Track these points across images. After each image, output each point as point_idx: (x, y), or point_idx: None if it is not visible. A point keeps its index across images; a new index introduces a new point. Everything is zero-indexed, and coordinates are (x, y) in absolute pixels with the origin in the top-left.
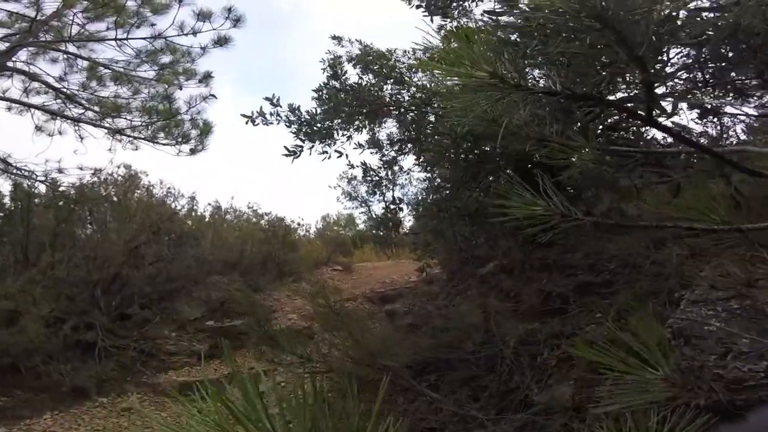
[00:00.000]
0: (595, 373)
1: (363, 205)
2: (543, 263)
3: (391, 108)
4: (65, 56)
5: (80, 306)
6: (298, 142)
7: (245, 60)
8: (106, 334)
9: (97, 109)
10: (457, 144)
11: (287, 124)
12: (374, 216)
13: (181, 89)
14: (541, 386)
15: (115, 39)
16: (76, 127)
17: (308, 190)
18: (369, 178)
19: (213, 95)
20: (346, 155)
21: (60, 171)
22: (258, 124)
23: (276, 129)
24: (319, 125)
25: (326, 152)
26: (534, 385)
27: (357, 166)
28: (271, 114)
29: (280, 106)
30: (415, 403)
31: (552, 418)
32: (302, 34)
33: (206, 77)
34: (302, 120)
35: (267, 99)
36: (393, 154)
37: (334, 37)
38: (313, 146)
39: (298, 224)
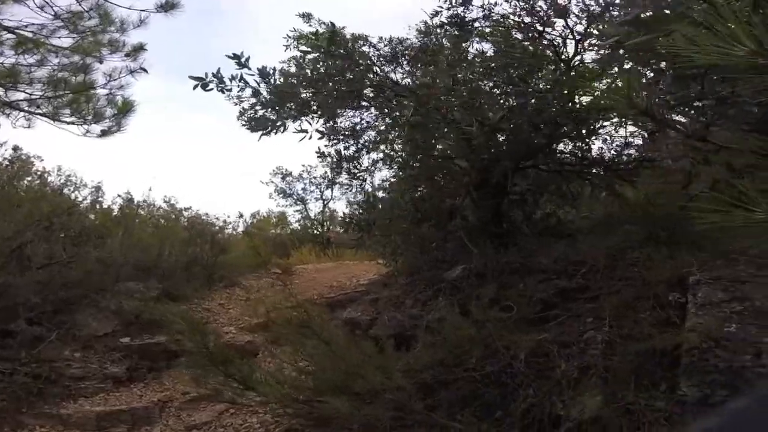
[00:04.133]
0: (622, 384)
1: (298, 202)
2: (511, 267)
3: (393, 91)
4: None
5: None
6: (270, 116)
7: (178, 49)
8: None
9: None
10: (485, 133)
11: (256, 92)
12: (348, 215)
13: (101, 62)
14: (565, 400)
15: None
16: None
17: (231, 186)
18: (342, 168)
19: (143, 69)
20: (328, 137)
21: None
22: (211, 89)
23: (207, 111)
24: (294, 99)
25: (305, 131)
26: (557, 399)
27: (328, 155)
28: (233, 78)
29: (248, 68)
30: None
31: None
32: (245, 29)
33: (136, 50)
34: (276, 87)
35: (233, 56)
36: (359, 144)
37: (303, 15)
38: (285, 123)
39: (224, 222)
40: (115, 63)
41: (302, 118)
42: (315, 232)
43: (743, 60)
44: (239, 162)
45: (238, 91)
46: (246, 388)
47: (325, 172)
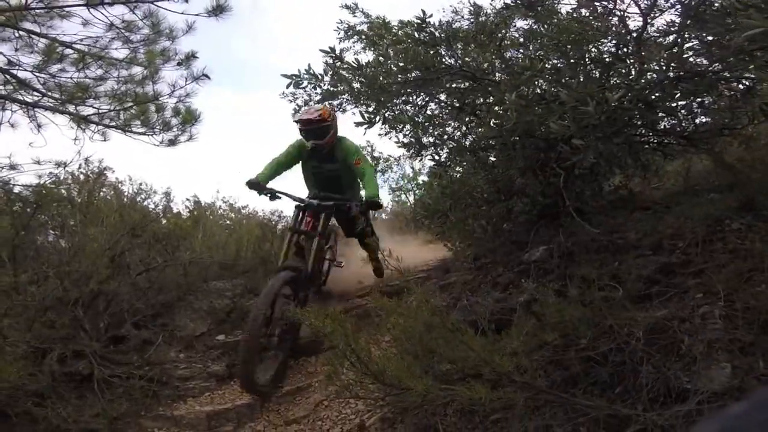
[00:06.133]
0: (750, 356)
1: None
2: (599, 245)
3: (474, 74)
4: (18, 34)
5: (61, 332)
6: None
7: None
8: (102, 362)
9: (56, 95)
10: (605, 112)
11: (353, 77)
12: (427, 203)
13: (157, 73)
14: (689, 374)
15: (87, 5)
16: (32, 114)
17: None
18: (422, 155)
19: (206, 75)
20: (412, 125)
21: (12, 167)
22: (305, 86)
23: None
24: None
25: (400, 120)
26: (681, 373)
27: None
28: (324, 73)
29: (342, 60)
30: (543, 410)
31: (717, 403)
32: (260, 31)
33: (188, 58)
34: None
35: (329, 51)
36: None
37: (347, 7)
38: (382, 113)
39: (279, 216)
40: (169, 74)
41: (389, 107)
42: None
43: None
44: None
45: (330, 86)
46: (376, 380)
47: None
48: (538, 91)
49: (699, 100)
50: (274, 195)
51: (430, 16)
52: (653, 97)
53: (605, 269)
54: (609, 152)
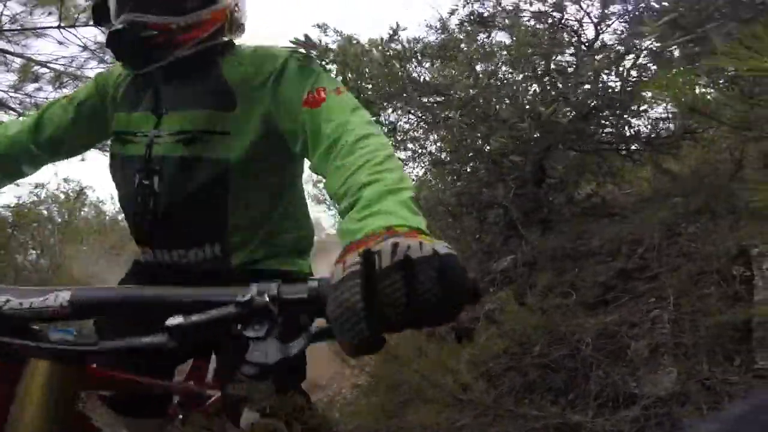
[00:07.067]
0: (694, 360)
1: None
2: (562, 253)
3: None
4: None
5: None
6: None
7: None
8: None
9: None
10: (538, 127)
11: None
12: None
13: None
14: (638, 379)
15: (59, 27)
16: None
17: None
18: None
19: None
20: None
21: None
22: None
23: None
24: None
25: None
26: (629, 378)
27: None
28: None
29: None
30: (500, 422)
31: (664, 407)
32: None
33: None
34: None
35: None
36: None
37: (319, 26)
38: None
39: None
40: None
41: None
42: None
43: None
44: None
45: None
46: None
47: None
48: (488, 109)
49: (633, 108)
50: None
51: (400, 27)
52: (589, 108)
53: (566, 276)
54: (576, 160)
